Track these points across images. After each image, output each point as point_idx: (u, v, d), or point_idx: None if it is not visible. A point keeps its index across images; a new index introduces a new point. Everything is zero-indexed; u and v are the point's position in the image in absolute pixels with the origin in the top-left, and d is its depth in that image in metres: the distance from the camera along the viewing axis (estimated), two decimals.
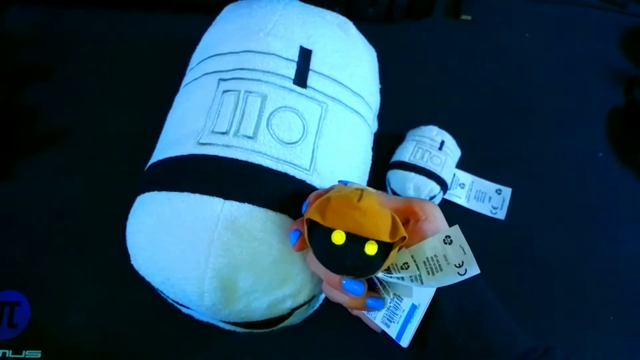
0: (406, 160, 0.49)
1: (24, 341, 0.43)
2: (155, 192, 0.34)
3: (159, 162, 0.36)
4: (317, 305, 0.39)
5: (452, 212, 0.51)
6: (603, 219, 0.52)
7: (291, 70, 0.37)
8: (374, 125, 0.48)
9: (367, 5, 0.59)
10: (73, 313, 0.45)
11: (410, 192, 0.48)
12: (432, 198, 0.48)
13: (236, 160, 0.33)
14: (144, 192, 0.35)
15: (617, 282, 0.49)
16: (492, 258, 0.50)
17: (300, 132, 0.35)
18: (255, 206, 0.32)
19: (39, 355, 0.43)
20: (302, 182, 0.34)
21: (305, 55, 0.38)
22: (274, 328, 0.36)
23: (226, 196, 0.32)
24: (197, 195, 0.32)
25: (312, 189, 0.34)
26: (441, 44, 0.61)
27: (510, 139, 0.56)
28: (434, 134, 0.51)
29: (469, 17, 0.63)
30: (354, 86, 0.40)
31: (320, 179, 0.35)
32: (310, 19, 0.41)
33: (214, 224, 0.32)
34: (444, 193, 0.50)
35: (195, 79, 0.39)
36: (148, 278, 0.35)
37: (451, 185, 0.52)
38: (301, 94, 0.37)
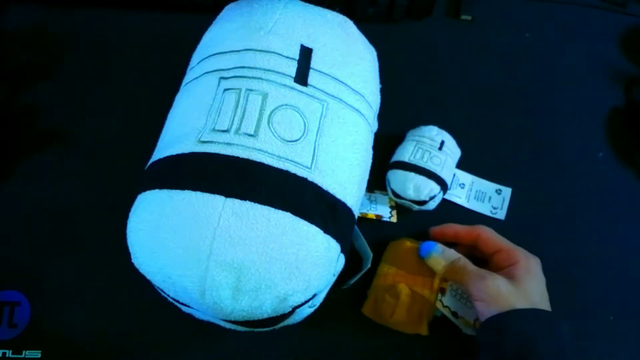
0: (406, 160, 0.49)
1: (23, 341, 0.43)
2: (157, 190, 0.34)
3: (159, 160, 0.36)
4: (317, 304, 0.39)
5: (452, 212, 0.51)
6: (603, 219, 0.52)
7: (292, 69, 0.37)
8: (374, 125, 0.48)
9: (367, 5, 0.58)
10: (73, 313, 0.45)
11: (410, 192, 0.48)
12: (432, 198, 0.48)
13: (237, 158, 0.34)
14: (144, 190, 0.35)
15: (617, 282, 0.49)
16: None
17: (301, 130, 0.36)
18: (256, 204, 0.32)
19: (39, 356, 0.43)
20: (303, 180, 0.34)
21: (305, 54, 0.38)
22: (275, 327, 0.36)
23: (227, 194, 0.32)
24: (199, 193, 0.33)
25: (314, 186, 0.34)
26: (441, 44, 0.61)
27: (510, 139, 0.56)
28: (433, 134, 0.51)
29: (469, 17, 0.62)
30: (355, 85, 0.40)
31: (322, 176, 0.35)
32: (310, 17, 0.41)
33: (215, 222, 0.32)
34: (444, 193, 0.50)
35: (196, 77, 0.40)
36: (148, 276, 0.35)
37: (451, 185, 0.52)
38: (302, 92, 0.37)
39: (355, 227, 0.44)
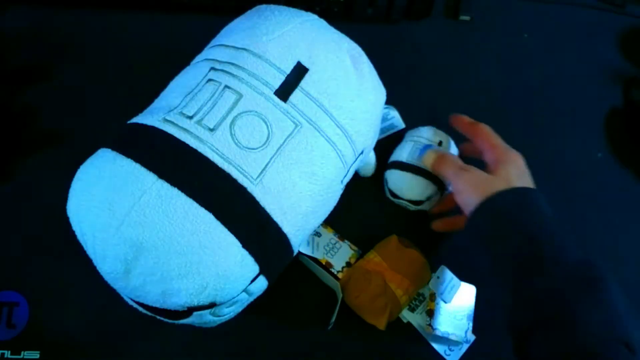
0: (404, 160, 0.49)
1: (22, 342, 0.43)
2: (109, 150, 0.35)
3: (130, 124, 0.37)
4: (226, 316, 0.37)
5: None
6: (602, 219, 0.52)
7: (277, 81, 0.37)
8: (368, 169, 0.48)
9: (366, 5, 0.59)
10: (71, 313, 0.45)
11: (407, 193, 0.48)
12: (428, 199, 0.48)
13: (186, 145, 0.34)
14: (105, 146, 0.36)
15: (616, 282, 0.49)
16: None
17: (261, 141, 0.36)
18: (182, 194, 0.33)
19: (38, 356, 0.43)
20: (242, 189, 0.34)
21: (298, 72, 0.38)
22: (175, 321, 0.36)
23: (161, 175, 0.33)
24: (137, 165, 0.33)
25: (251, 198, 0.34)
26: (440, 45, 0.61)
27: (509, 139, 0.56)
28: (431, 134, 0.51)
29: (467, 18, 0.63)
30: (340, 118, 0.39)
31: (264, 193, 0.35)
32: (322, 40, 0.41)
33: (138, 196, 0.32)
34: (441, 194, 0.50)
35: (197, 62, 0.41)
36: (73, 226, 0.35)
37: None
38: (277, 106, 0.37)
39: (313, 263, 0.45)
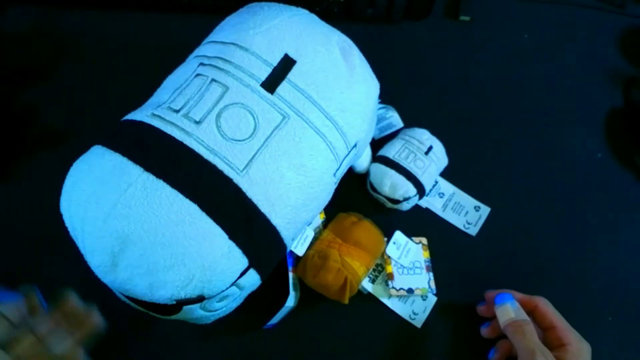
0: (390, 157, 0.49)
1: None
2: (99, 146, 0.36)
3: (122, 120, 0.38)
4: (218, 311, 0.37)
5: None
6: (602, 219, 0.52)
7: (264, 73, 0.37)
8: (361, 164, 0.48)
9: (366, 5, 0.59)
10: None
11: (386, 189, 0.48)
12: (406, 199, 0.48)
13: (172, 138, 0.34)
14: (97, 143, 0.36)
15: (616, 283, 0.49)
16: (489, 256, 0.50)
17: (248, 133, 0.36)
18: (167, 185, 0.33)
19: None
20: (227, 180, 0.34)
21: (286, 64, 0.38)
22: (168, 317, 0.36)
23: (146, 167, 0.33)
24: (124, 159, 0.34)
25: (237, 189, 0.34)
26: (440, 45, 0.61)
27: (509, 140, 0.56)
28: (424, 137, 0.50)
29: (467, 18, 0.63)
30: (329, 109, 0.39)
31: (250, 184, 0.34)
32: (310, 32, 0.41)
33: (124, 189, 0.32)
34: (420, 197, 0.50)
35: (190, 59, 0.41)
36: (65, 223, 0.36)
37: (430, 191, 0.51)
38: (263, 98, 0.37)
39: (288, 261, 0.44)
